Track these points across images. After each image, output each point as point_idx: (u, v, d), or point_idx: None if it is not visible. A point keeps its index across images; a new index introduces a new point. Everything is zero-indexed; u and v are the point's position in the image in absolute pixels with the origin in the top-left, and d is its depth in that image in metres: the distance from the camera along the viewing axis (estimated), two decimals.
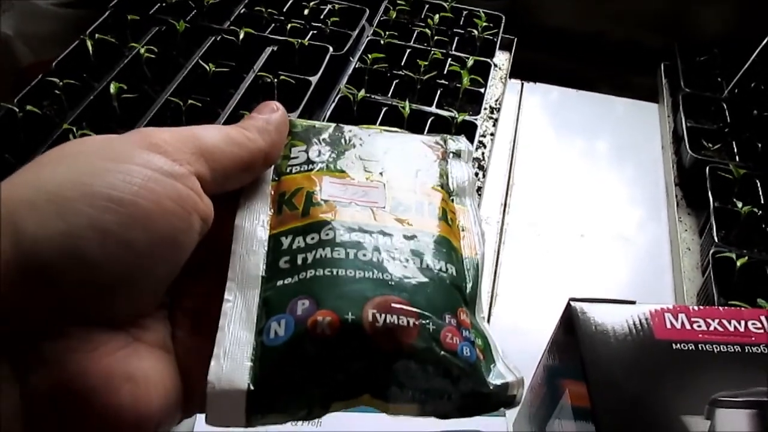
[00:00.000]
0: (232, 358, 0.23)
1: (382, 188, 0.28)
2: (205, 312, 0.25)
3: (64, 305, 0.20)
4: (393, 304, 0.23)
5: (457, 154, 0.32)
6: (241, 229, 0.26)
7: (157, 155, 0.23)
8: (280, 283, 0.25)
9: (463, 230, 0.29)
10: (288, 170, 0.29)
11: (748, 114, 0.91)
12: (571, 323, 0.41)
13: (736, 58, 0.96)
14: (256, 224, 0.27)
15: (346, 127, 0.31)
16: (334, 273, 0.24)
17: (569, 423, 0.42)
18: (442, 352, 0.23)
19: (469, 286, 0.27)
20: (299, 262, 0.25)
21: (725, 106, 0.92)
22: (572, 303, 0.42)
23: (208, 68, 0.85)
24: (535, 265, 0.77)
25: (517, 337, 0.68)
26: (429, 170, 0.30)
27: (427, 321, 0.23)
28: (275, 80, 0.85)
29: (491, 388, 0.24)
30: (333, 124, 0.31)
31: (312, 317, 0.23)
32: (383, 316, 0.23)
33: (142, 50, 0.86)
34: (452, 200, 0.30)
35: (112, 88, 0.79)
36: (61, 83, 0.80)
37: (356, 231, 0.26)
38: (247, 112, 0.77)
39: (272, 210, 0.27)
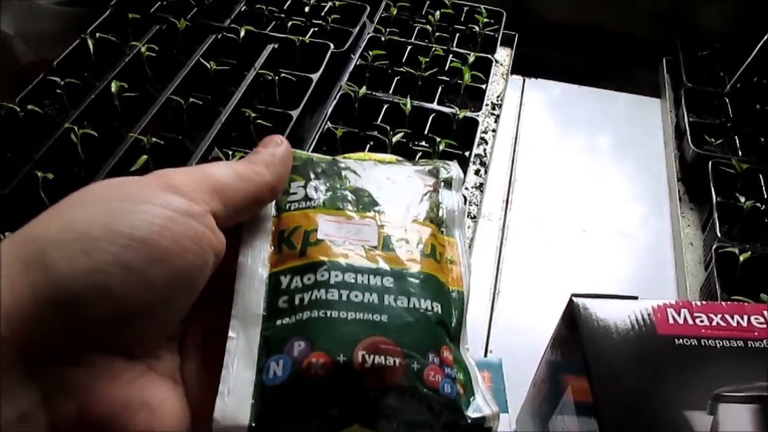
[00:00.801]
0: (236, 396, 0.25)
1: (374, 225, 0.30)
2: (213, 341, 0.27)
3: (90, 335, 0.22)
4: (381, 345, 0.26)
5: (448, 183, 0.34)
6: (244, 266, 0.28)
7: (175, 196, 0.24)
8: (279, 322, 0.27)
9: (451, 263, 0.31)
10: (287, 207, 0.30)
11: (751, 108, 0.90)
12: (573, 319, 0.41)
13: (739, 52, 0.96)
14: (257, 262, 0.28)
15: (342, 161, 0.33)
16: (328, 315, 0.26)
17: (572, 418, 0.42)
18: (425, 390, 0.26)
19: (454, 320, 0.29)
20: (296, 302, 0.27)
21: (727, 101, 0.91)
22: (574, 299, 0.42)
23: (209, 66, 0.85)
24: (537, 261, 0.77)
25: (519, 332, 0.68)
26: (420, 204, 0.32)
27: (412, 360, 0.26)
28: (276, 78, 0.84)
29: (469, 421, 0.26)
30: (329, 158, 0.33)
31: (307, 359, 0.25)
32: (372, 357, 0.25)
33: (143, 49, 0.86)
34: (442, 232, 0.32)
35: (114, 87, 0.79)
36: (62, 82, 0.80)
37: (349, 272, 0.28)
38: (248, 110, 0.78)
39: (272, 247, 0.29)
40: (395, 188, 0.32)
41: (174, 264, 0.23)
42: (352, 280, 0.27)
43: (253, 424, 0.24)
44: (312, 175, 0.31)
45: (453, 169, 0.35)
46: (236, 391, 0.25)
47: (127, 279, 0.22)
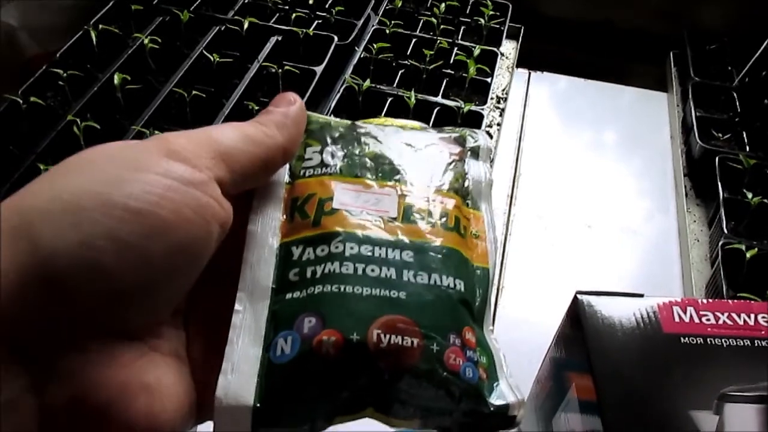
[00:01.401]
0: (240, 373, 0.23)
1: (394, 195, 0.28)
2: (222, 314, 0.25)
3: (82, 316, 0.20)
4: (398, 324, 0.24)
5: (475, 153, 0.31)
6: (253, 235, 0.26)
7: (176, 163, 0.22)
8: (288, 296, 0.25)
9: (476, 238, 0.29)
10: (302, 173, 0.28)
11: (759, 103, 0.89)
12: (577, 316, 0.40)
13: (747, 46, 0.95)
14: (267, 231, 0.27)
15: (361, 126, 0.30)
16: (342, 290, 0.24)
17: (575, 416, 0.41)
18: (445, 373, 0.24)
19: (478, 299, 0.27)
20: (308, 275, 0.25)
21: (735, 95, 0.90)
22: (579, 296, 0.41)
23: (212, 58, 0.84)
24: (541, 257, 0.76)
25: (523, 329, 0.68)
26: (444, 174, 0.30)
27: (431, 342, 0.24)
28: (280, 70, 0.84)
29: (491, 408, 0.24)
30: (348, 122, 0.30)
31: (317, 336, 0.23)
32: (387, 336, 0.23)
33: (146, 40, 0.85)
34: (467, 204, 0.30)
35: (116, 79, 0.79)
36: (64, 74, 0.79)
37: (366, 244, 0.26)
38: (252, 103, 0.77)
39: (284, 216, 0.27)
40: (418, 156, 0.30)
41: (174, 237, 0.21)
42: (369, 254, 0.25)
43: (258, 404, 0.23)
44: (329, 140, 0.29)
45: (480, 137, 0.32)
46: (240, 369, 0.23)
47: (122, 254, 0.20)
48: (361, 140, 0.29)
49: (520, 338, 0.66)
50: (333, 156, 0.29)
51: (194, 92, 0.79)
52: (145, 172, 0.21)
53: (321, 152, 0.29)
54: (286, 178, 0.28)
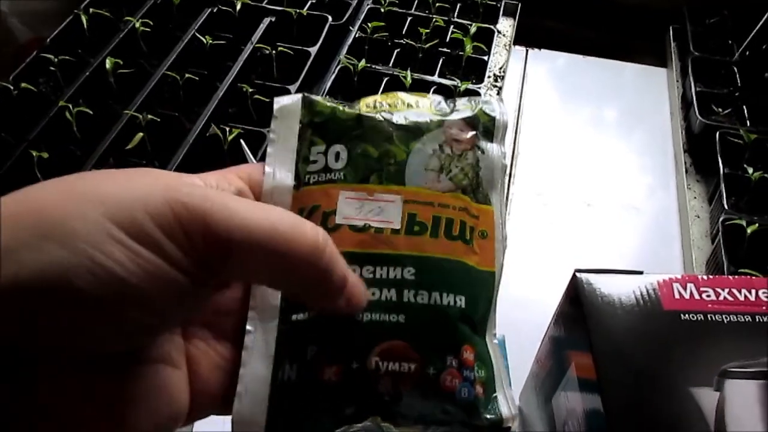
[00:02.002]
0: (252, 395, 0.25)
1: (398, 202, 0.28)
2: (224, 313, 0.26)
3: (47, 337, 0.19)
4: (396, 351, 0.25)
5: (488, 133, 0.30)
6: None
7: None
8: (294, 317, 0.26)
9: (483, 238, 0.28)
10: (307, 178, 0.28)
11: (760, 77, 0.88)
12: (576, 294, 0.40)
13: (748, 19, 0.93)
14: None
15: (368, 118, 0.29)
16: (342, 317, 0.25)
17: (575, 395, 0.41)
18: (441, 395, 0.25)
19: (481, 308, 0.28)
20: None
21: (736, 70, 0.89)
22: (578, 274, 0.41)
23: (205, 41, 0.83)
24: (541, 235, 0.76)
25: (523, 308, 0.67)
26: (453, 171, 0.29)
27: (428, 366, 0.25)
28: (273, 52, 0.83)
29: (485, 422, 0.26)
30: (355, 113, 0.29)
31: (320, 364, 0.25)
32: (386, 364, 0.25)
33: (138, 24, 0.84)
34: (476, 200, 0.29)
35: (108, 64, 0.78)
36: (56, 60, 0.78)
37: (367, 265, 0.26)
38: (246, 86, 0.76)
39: None
40: (425, 153, 0.29)
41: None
42: (370, 275, 0.26)
43: (269, 424, 0.25)
44: (333, 137, 0.29)
45: (497, 110, 0.30)
46: (252, 391, 0.25)
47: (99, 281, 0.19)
48: (367, 136, 0.29)
49: (520, 317, 0.66)
50: (338, 157, 0.28)
51: (187, 75, 0.78)
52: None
53: (325, 153, 0.28)
54: (291, 181, 0.28)
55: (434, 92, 0.82)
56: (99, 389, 0.21)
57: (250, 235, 0.20)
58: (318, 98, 0.29)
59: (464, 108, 0.30)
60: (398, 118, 0.29)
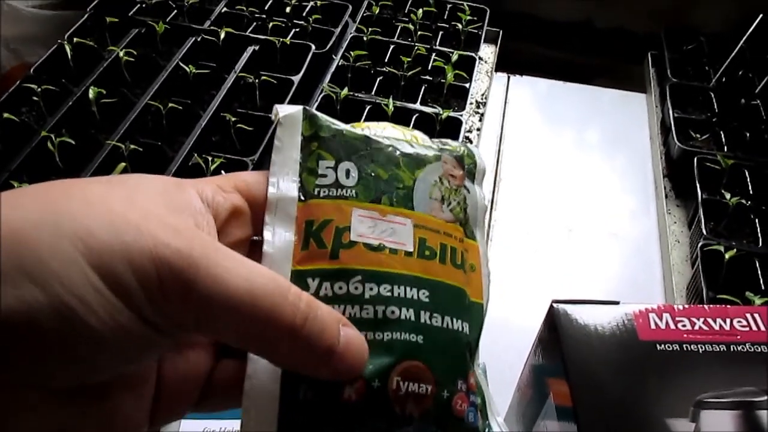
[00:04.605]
0: (259, 412, 0.24)
1: (409, 226, 0.27)
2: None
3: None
4: (416, 371, 0.25)
5: (472, 174, 0.31)
6: (269, 259, 0.26)
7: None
8: None
9: (472, 270, 0.29)
10: (316, 191, 0.27)
11: (736, 103, 0.90)
12: (554, 325, 0.40)
13: (723, 46, 0.95)
14: (283, 254, 0.26)
15: (374, 141, 0.29)
16: (364, 337, 0.25)
17: (554, 423, 0.41)
18: (452, 419, 0.25)
19: (475, 336, 0.28)
20: None
21: (713, 95, 0.91)
22: (555, 304, 0.41)
23: (188, 70, 0.84)
24: (522, 262, 0.76)
25: (504, 335, 0.68)
26: (450, 203, 0.29)
27: (443, 389, 0.25)
28: (257, 80, 0.83)
29: None
30: (361, 135, 0.29)
31: (341, 382, 0.24)
32: (406, 384, 0.25)
33: (121, 53, 0.85)
34: (466, 234, 0.29)
35: (91, 93, 0.78)
36: (39, 89, 0.78)
37: (385, 283, 0.26)
38: (228, 114, 0.76)
39: (297, 237, 0.26)
40: (429, 181, 0.29)
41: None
42: (388, 293, 0.25)
43: None
44: (343, 154, 0.28)
45: (477, 156, 0.31)
46: (261, 408, 0.24)
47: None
48: (375, 158, 0.28)
49: (502, 345, 0.66)
50: (348, 175, 0.27)
51: (170, 104, 0.79)
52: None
53: (335, 168, 0.27)
54: (296, 194, 0.27)
55: (416, 120, 0.82)
56: (43, 413, 0.20)
57: (230, 302, 0.20)
58: (318, 113, 0.29)
59: (451, 147, 0.31)
60: (401, 146, 0.29)
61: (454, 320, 0.27)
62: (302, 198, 0.27)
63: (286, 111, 0.29)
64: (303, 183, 0.27)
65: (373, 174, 0.28)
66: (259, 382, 0.24)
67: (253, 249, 0.26)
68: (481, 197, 0.31)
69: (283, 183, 0.27)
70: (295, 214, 0.27)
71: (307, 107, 0.29)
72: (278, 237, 0.26)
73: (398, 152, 0.29)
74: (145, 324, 0.20)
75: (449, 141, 0.31)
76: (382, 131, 0.30)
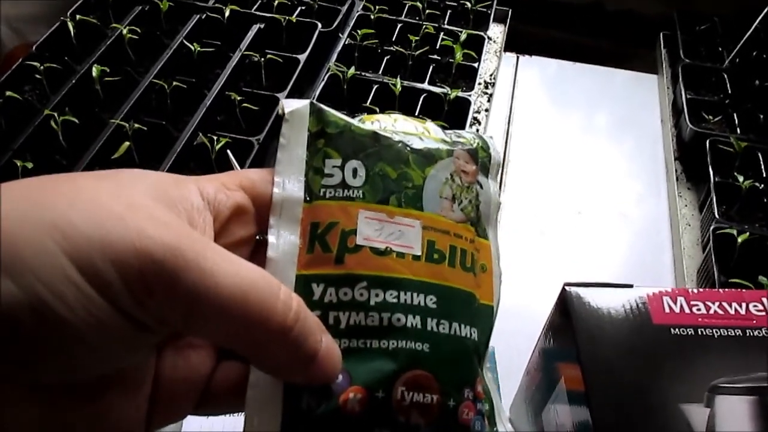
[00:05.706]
0: (262, 421, 0.24)
1: (418, 228, 0.26)
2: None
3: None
4: (420, 381, 0.24)
5: (485, 168, 0.30)
6: (274, 264, 0.25)
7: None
8: None
9: (483, 271, 0.28)
10: (322, 192, 0.26)
11: (750, 84, 0.88)
12: (566, 308, 0.39)
13: (738, 26, 0.93)
14: (287, 258, 0.25)
15: (383, 137, 0.28)
16: (368, 345, 0.24)
17: (564, 408, 0.40)
18: (459, 428, 0.25)
19: (484, 341, 0.27)
20: (331, 321, 0.25)
21: (726, 77, 0.89)
22: (567, 288, 0.40)
23: (192, 48, 0.82)
24: (531, 244, 0.75)
25: (513, 319, 0.67)
26: (463, 201, 0.28)
27: (448, 398, 0.25)
28: (262, 59, 0.82)
29: None
30: (370, 131, 0.28)
31: (344, 393, 0.24)
32: (410, 394, 0.24)
33: (125, 31, 0.83)
34: (478, 233, 0.29)
35: (95, 72, 0.77)
36: (41, 67, 0.77)
37: (391, 289, 0.25)
38: (234, 93, 0.75)
39: (302, 240, 0.25)
40: (439, 179, 0.28)
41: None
42: (394, 300, 0.25)
43: None
44: (350, 152, 0.27)
45: (491, 148, 0.30)
46: (263, 417, 0.24)
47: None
48: (384, 156, 0.27)
49: (510, 328, 0.65)
50: (355, 174, 0.27)
51: (175, 83, 0.78)
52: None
53: (342, 168, 0.27)
54: (302, 194, 0.26)
55: (424, 100, 0.81)
56: (26, 408, 0.20)
57: (220, 298, 0.19)
58: (325, 107, 0.28)
59: (464, 140, 0.30)
60: (412, 142, 0.28)
61: (462, 326, 0.26)
62: (308, 199, 0.26)
63: (292, 106, 0.28)
64: (309, 183, 0.27)
65: (381, 173, 0.27)
66: (262, 391, 0.24)
67: (257, 248, 0.26)
68: (494, 192, 0.30)
69: (288, 183, 0.26)
70: (300, 215, 0.26)
71: (314, 101, 0.28)
72: (283, 240, 0.25)
73: (408, 148, 0.28)
74: (126, 319, 0.19)
75: (463, 133, 0.30)
76: (393, 124, 0.29)
